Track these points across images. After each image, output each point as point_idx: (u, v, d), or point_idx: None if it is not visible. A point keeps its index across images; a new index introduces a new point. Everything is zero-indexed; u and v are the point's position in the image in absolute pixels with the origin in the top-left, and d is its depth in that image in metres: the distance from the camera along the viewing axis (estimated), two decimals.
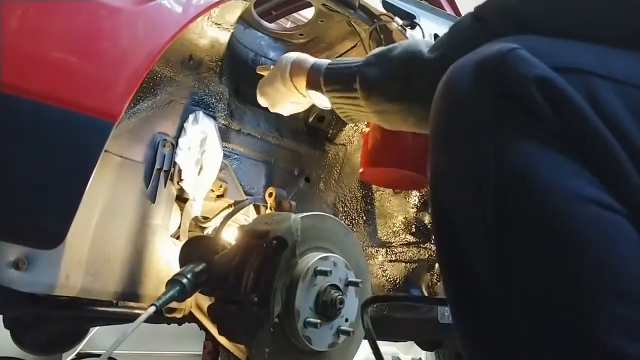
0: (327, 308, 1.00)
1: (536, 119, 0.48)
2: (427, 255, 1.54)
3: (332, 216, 1.18)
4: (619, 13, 0.56)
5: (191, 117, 1.25)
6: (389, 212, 1.61)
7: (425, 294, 1.53)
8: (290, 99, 1.07)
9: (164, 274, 1.11)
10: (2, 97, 0.71)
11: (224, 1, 1.01)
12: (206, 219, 1.23)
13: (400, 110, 0.84)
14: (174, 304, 1.12)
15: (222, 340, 1.12)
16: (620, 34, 0.55)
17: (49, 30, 0.76)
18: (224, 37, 1.26)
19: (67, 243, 0.97)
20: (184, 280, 0.97)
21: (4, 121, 0.73)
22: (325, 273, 1.01)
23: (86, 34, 0.80)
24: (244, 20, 1.39)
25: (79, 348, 1.97)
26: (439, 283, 1.51)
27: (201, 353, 2.27)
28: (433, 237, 0.59)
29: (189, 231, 1.22)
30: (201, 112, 1.28)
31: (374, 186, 1.64)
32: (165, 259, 1.15)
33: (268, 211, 1.26)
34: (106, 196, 1.05)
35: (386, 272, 1.60)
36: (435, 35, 1.44)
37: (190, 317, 1.21)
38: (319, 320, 0.99)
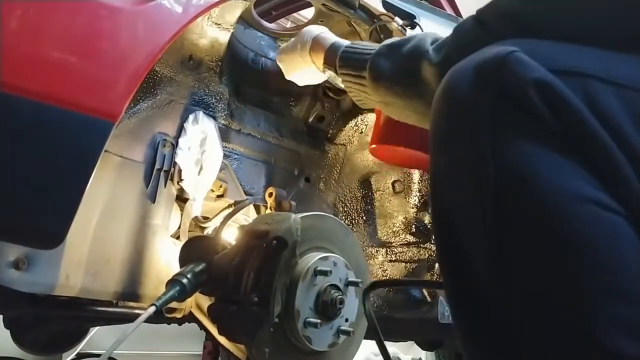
0: (327, 308, 1.00)
1: (536, 121, 0.48)
2: (427, 255, 1.54)
3: (332, 216, 1.18)
4: (619, 15, 0.56)
5: (191, 117, 1.25)
6: (389, 212, 1.61)
7: (425, 293, 1.53)
8: (306, 70, 1.12)
9: (164, 274, 1.11)
10: (2, 97, 0.71)
11: (224, 1, 1.01)
12: (206, 219, 1.23)
13: (404, 105, 0.85)
14: (174, 304, 1.12)
15: (222, 340, 1.12)
16: (621, 37, 0.55)
17: (49, 30, 0.76)
18: (224, 37, 1.26)
19: (67, 243, 0.97)
20: (184, 280, 0.97)
21: (4, 121, 0.73)
22: (325, 273, 1.01)
23: (86, 34, 0.80)
24: (244, 20, 1.39)
25: (79, 348, 1.97)
26: None
27: (201, 353, 2.27)
28: (433, 237, 0.59)
29: (189, 231, 1.22)
30: (201, 112, 1.28)
31: (374, 186, 1.64)
32: (165, 259, 1.15)
33: (268, 211, 1.26)
34: (106, 196, 1.05)
35: (386, 272, 1.60)
36: None
37: (190, 317, 1.21)
38: (319, 320, 0.99)
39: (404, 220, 1.58)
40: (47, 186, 0.77)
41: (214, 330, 1.10)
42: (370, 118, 1.55)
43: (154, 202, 1.14)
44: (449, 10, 2.04)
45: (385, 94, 0.86)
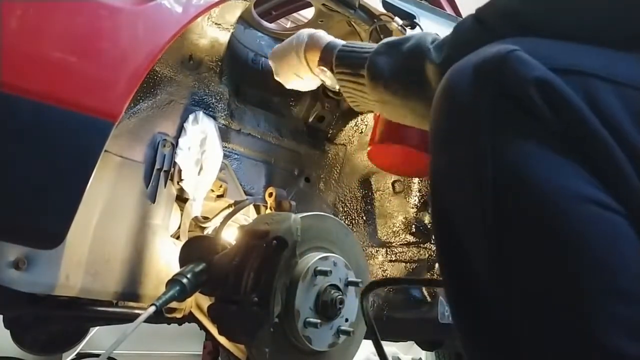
0: (327, 308, 1.00)
1: (536, 120, 0.48)
2: (427, 255, 1.54)
3: (332, 216, 1.18)
4: (619, 15, 0.56)
5: (191, 117, 1.25)
6: (389, 212, 1.61)
7: (425, 293, 1.53)
8: (298, 72, 1.08)
9: (164, 274, 1.11)
10: (2, 97, 0.71)
11: (224, 1, 1.01)
12: (206, 219, 1.23)
13: (402, 105, 0.84)
14: (174, 304, 1.12)
15: (222, 340, 1.12)
16: (621, 36, 0.55)
17: (49, 30, 0.76)
18: (224, 37, 1.26)
19: (67, 243, 0.97)
20: (184, 280, 0.97)
21: (4, 121, 0.73)
22: (325, 273, 1.01)
23: (86, 34, 0.80)
24: (244, 20, 1.39)
25: (79, 348, 1.97)
26: None
27: (201, 353, 2.27)
28: (433, 237, 0.59)
29: (189, 231, 1.22)
30: (201, 112, 1.28)
31: (374, 186, 1.64)
32: (165, 259, 1.15)
33: (268, 211, 1.26)
34: (106, 196, 1.05)
35: (386, 272, 1.60)
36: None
37: (190, 317, 1.21)
38: (319, 320, 0.99)
39: (404, 220, 1.58)
40: (47, 186, 0.77)
41: (214, 330, 1.10)
42: (370, 118, 1.55)
43: (154, 202, 1.14)
44: (449, 10, 2.04)
45: (384, 93, 0.85)
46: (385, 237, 1.61)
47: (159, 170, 1.15)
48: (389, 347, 3.13)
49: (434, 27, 1.46)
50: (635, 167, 0.46)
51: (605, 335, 0.43)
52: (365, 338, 1.16)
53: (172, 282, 0.97)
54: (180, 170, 1.18)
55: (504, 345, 0.49)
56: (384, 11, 1.33)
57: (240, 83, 1.41)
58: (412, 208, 1.56)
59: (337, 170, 1.62)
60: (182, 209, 1.24)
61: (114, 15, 0.82)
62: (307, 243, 1.04)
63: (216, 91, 1.34)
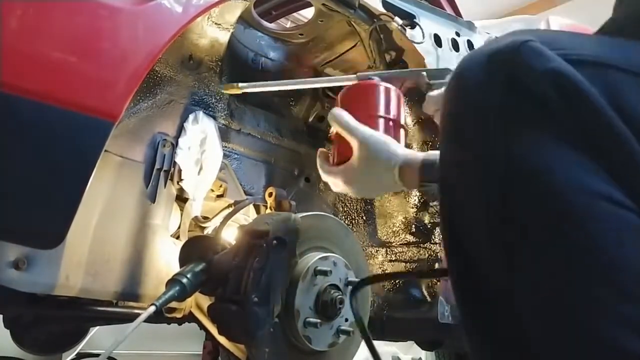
0: (327, 308, 1.00)
1: (549, 113, 0.46)
2: (427, 255, 1.54)
3: (332, 216, 1.18)
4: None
5: (191, 117, 1.25)
6: (389, 212, 1.61)
7: (425, 293, 1.53)
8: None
9: (164, 274, 1.11)
10: (2, 97, 0.71)
11: (224, 1, 1.01)
12: (206, 219, 1.23)
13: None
14: (174, 304, 1.12)
15: (222, 340, 1.12)
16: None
17: (49, 30, 0.76)
18: (224, 37, 1.26)
19: (67, 243, 0.97)
20: (184, 280, 0.97)
21: (4, 121, 0.73)
22: (325, 273, 1.01)
23: (86, 34, 0.80)
24: (244, 20, 1.40)
25: (79, 348, 1.97)
26: (438, 283, 1.51)
27: (201, 353, 2.27)
28: (440, 233, 0.58)
29: (189, 231, 1.22)
30: (201, 112, 1.28)
31: None
32: (165, 259, 1.15)
33: (268, 211, 1.26)
34: (106, 196, 1.05)
35: (386, 272, 1.60)
36: (436, 35, 1.44)
37: (190, 317, 1.21)
38: (319, 320, 0.99)
39: (404, 220, 1.58)
40: (47, 186, 0.77)
41: (214, 330, 1.10)
42: None
43: (154, 202, 1.14)
44: (449, 10, 2.04)
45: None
46: (385, 237, 1.61)
47: (159, 170, 1.15)
48: (389, 347, 3.13)
49: (434, 27, 1.46)
50: None
51: (614, 333, 0.42)
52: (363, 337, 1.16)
53: (172, 282, 0.97)
54: (180, 170, 1.18)
55: (511, 344, 0.49)
56: (384, 11, 1.33)
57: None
58: (412, 208, 1.55)
59: None
60: (182, 209, 1.24)
61: (114, 15, 0.82)
62: (307, 243, 1.04)
63: (216, 91, 1.34)
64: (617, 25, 0.56)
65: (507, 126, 0.48)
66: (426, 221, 1.54)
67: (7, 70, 0.71)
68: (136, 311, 1.18)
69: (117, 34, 0.82)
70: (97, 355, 2.03)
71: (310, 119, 1.57)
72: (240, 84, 1.25)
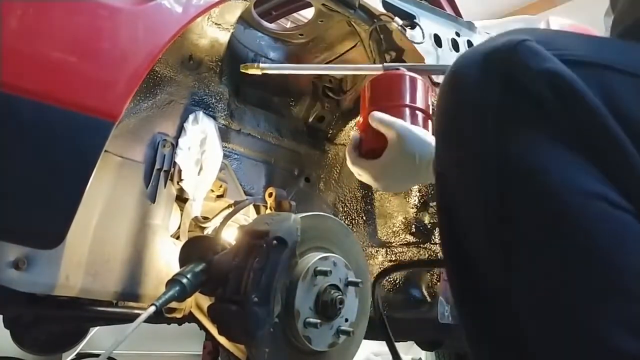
0: (327, 308, 1.00)
1: (544, 113, 0.46)
2: (427, 255, 1.54)
3: (332, 216, 1.18)
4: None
5: (191, 117, 1.25)
6: (389, 212, 1.61)
7: (425, 293, 1.53)
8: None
9: (164, 274, 1.11)
10: (2, 97, 0.71)
11: (224, 1, 1.01)
12: (206, 219, 1.23)
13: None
14: (174, 304, 1.12)
15: (222, 340, 1.12)
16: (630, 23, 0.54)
17: (49, 30, 0.76)
18: (224, 37, 1.26)
19: (67, 243, 0.97)
20: (184, 280, 0.97)
21: (4, 121, 0.73)
22: (325, 273, 1.01)
23: (86, 34, 0.80)
24: (244, 20, 1.39)
25: (79, 348, 1.97)
26: (438, 283, 1.51)
27: (201, 353, 2.27)
28: (438, 231, 0.58)
29: (189, 231, 1.22)
30: (201, 112, 1.28)
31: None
32: (165, 259, 1.15)
33: (268, 211, 1.26)
34: (106, 196, 1.05)
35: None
36: (436, 36, 1.44)
37: (190, 317, 1.21)
38: (319, 320, 0.99)
39: (404, 220, 1.58)
40: (47, 186, 0.77)
41: (214, 330, 1.10)
42: None
43: (154, 202, 1.14)
44: (449, 10, 2.04)
45: None
46: (385, 237, 1.61)
47: (159, 170, 1.15)
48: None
49: (434, 27, 1.46)
50: None
51: (607, 332, 0.42)
52: (366, 338, 1.16)
53: (172, 282, 0.97)
54: (180, 170, 1.18)
55: (509, 344, 0.49)
56: (384, 11, 1.33)
57: (240, 83, 1.41)
58: (412, 208, 1.55)
59: (337, 170, 1.62)
60: (182, 209, 1.24)
61: (114, 15, 0.82)
62: (307, 243, 1.04)
63: (216, 91, 1.34)
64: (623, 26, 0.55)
65: (505, 125, 0.48)
66: (426, 221, 1.54)
67: (7, 70, 0.71)
68: (136, 311, 1.18)
69: (117, 34, 0.82)
70: (97, 355, 2.03)
71: (310, 119, 1.57)
72: (261, 64, 1.24)
